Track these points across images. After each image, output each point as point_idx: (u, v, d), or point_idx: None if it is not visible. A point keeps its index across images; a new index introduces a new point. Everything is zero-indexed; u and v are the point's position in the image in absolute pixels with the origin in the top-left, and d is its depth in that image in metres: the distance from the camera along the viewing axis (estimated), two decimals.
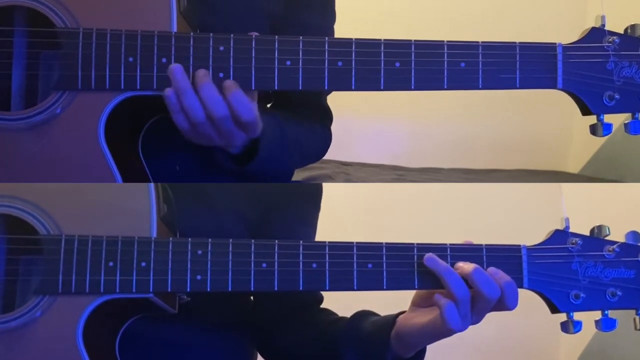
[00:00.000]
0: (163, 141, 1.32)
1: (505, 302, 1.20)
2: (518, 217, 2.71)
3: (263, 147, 1.29)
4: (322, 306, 1.46)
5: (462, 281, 1.19)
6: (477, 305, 1.20)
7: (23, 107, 1.25)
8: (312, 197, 1.46)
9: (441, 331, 1.20)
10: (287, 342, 1.41)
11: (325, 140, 1.51)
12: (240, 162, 1.31)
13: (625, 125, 1.25)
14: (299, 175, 1.78)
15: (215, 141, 1.23)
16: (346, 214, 2.62)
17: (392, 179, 2.79)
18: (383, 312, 1.33)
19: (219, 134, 1.22)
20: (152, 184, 1.21)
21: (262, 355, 1.48)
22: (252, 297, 1.46)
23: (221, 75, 1.21)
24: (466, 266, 1.20)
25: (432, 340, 1.24)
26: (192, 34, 1.22)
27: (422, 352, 1.29)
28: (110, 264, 1.18)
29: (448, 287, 1.19)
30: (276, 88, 1.22)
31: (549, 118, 3.10)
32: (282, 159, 1.36)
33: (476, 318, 1.21)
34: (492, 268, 1.21)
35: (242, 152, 1.29)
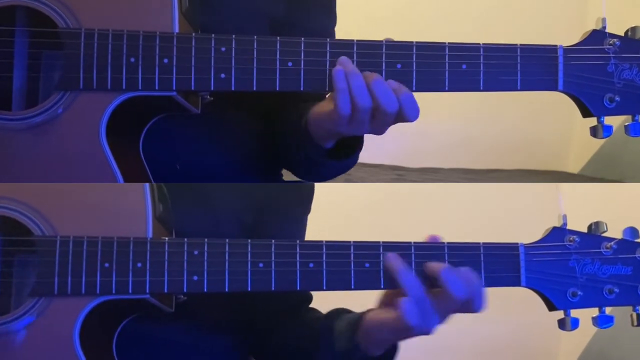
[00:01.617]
0: (164, 141, 1.32)
1: (472, 305, 1.20)
2: (518, 217, 2.71)
3: (362, 141, 1.32)
4: (313, 306, 1.45)
5: (417, 281, 1.19)
6: (442, 304, 1.19)
7: (24, 108, 1.24)
8: (304, 200, 1.46)
9: (400, 327, 1.19)
10: (274, 342, 1.40)
11: None
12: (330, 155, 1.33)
13: (626, 127, 1.25)
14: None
15: (365, 129, 1.24)
16: (346, 214, 2.63)
17: (392, 179, 2.80)
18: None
19: (374, 124, 1.23)
20: (147, 184, 1.21)
21: (254, 357, 1.48)
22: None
23: (222, 76, 1.21)
24: (436, 265, 1.20)
25: (396, 338, 1.23)
26: (193, 34, 1.22)
27: (393, 351, 1.28)
28: (106, 265, 1.18)
29: (402, 286, 1.19)
30: (277, 89, 1.22)
31: (549, 118, 3.11)
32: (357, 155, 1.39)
33: (442, 319, 1.21)
34: (464, 268, 1.21)
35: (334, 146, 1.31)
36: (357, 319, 1.27)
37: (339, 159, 1.34)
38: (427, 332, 1.20)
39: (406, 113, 1.21)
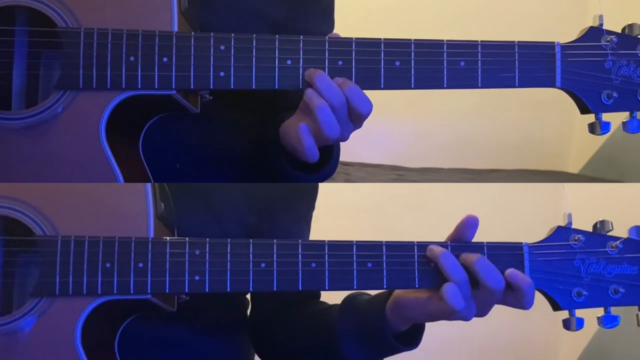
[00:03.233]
0: (164, 140, 1.32)
1: (522, 300, 1.19)
2: (518, 217, 2.71)
3: (336, 150, 1.32)
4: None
5: (458, 264, 1.19)
6: (480, 296, 1.19)
7: (24, 107, 1.25)
8: (308, 198, 1.47)
9: (443, 311, 1.19)
10: (282, 337, 1.39)
11: None
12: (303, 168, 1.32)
13: (624, 123, 1.26)
14: None
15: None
16: (346, 214, 2.63)
17: (392, 179, 2.80)
18: None
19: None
20: (148, 184, 1.21)
21: (260, 356, 1.48)
22: (248, 296, 1.46)
23: (222, 74, 1.22)
24: (471, 255, 1.20)
25: (430, 319, 1.22)
26: (192, 33, 1.22)
27: (419, 328, 1.28)
28: (108, 265, 1.18)
29: (445, 270, 1.19)
30: (277, 87, 1.22)
31: (549, 118, 3.11)
32: (336, 162, 1.38)
33: (480, 310, 1.21)
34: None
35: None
36: (385, 294, 1.26)
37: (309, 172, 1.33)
38: (467, 317, 1.20)
39: (355, 105, 1.21)
